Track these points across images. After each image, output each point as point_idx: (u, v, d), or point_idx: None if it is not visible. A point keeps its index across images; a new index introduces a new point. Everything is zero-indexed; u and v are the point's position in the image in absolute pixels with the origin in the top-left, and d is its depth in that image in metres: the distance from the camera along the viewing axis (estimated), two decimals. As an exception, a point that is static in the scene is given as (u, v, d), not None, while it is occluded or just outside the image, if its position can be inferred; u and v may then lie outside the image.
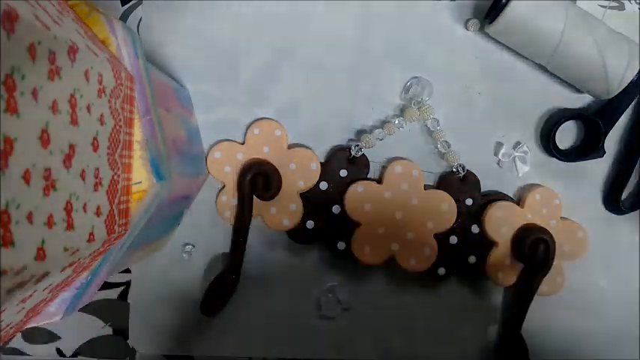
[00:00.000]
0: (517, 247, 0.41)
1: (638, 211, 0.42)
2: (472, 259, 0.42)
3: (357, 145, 0.40)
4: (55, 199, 0.19)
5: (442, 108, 0.41)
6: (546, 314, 0.43)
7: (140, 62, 0.28)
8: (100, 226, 0.23)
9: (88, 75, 0.22)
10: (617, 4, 0.41)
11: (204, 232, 0.42)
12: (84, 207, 0.22)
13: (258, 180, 0.40)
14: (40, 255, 0.18)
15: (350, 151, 0.41)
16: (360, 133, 0.42)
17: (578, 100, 0.42)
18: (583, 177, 0.42)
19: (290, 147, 0.41)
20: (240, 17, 0.41)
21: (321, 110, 0.42)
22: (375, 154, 0.41)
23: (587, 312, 0.43)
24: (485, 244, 0.42)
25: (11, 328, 0.23)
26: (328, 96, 0.42)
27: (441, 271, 0.41)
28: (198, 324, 0.43)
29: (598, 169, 0.42)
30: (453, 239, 0.42)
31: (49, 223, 0.19)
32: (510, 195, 0.42)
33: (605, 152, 0.41)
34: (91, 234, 0.22)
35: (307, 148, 0.41)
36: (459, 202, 0.41)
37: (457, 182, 0.41)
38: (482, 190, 0.42)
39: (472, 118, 0.42)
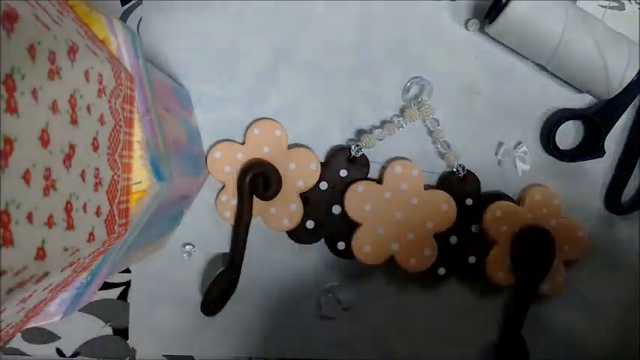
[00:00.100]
0: (517, 247, 0.41)
1: (638, 211, 0.42)
2: (472, 259, 0.42)
3: (357, 145, 0.40)
4: (55, 199, 0.19)
5: (442, 108, 0.41)
6: (546, 314, 0.43)
7: (140, 62, 0.28)
8: (100, 226, 0.23)
9: (88, 75, 0.22)
10: (617, 4, 0.41)
11: (204, 232, 0.42)
12: (84, 207, 0.22)
13: (258, 180, 0.40)
14: (40, 255, 0.18)
15: (350, 151, 0.41)
16: (360, 133, 0.42)
17: (579, 100, 0.42)
18: (583, 177, 0.42)
19: (290, 147, 0.41)
20: (240, 17, 0.41)
21: (321, 110, 0.42)
22: (375, 154, 0.41)
23: (587, 312, 0.43)
24: (485, 244, 0.41)
25: (11, 328, 0.23)
26: (328, 96, 0.42)
27: (441, 271, 0.41)
28: (198, 324, 0.43)
29: (598, 169, 0.42)
30: (453, 239, 0.42)
31: (49, 223, 0.19)
32: (510, 195, 0.42)
33: (605, 152, 0.41)
34: (91, 234, 0.22)
35: (307, 148, 0.41)
36: (458, 202, 0.41)
37: (457, 182, 0.41)
38: (482, 190, 0.42)
39: (472, 118, 0.42)
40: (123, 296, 0.43)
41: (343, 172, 0.41)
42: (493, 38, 0.40)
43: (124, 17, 0.41)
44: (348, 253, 0.41)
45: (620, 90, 0.38)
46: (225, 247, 0.42)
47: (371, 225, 0.41)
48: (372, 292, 0.43)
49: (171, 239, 0.42)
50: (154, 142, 0.27)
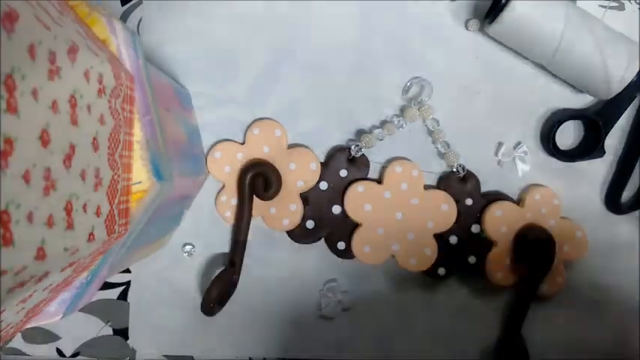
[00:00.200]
0: (517, 247, 0.41)
1: (638, 211, 0.42)
2: (472, 259, 0.42)
3: (357, 145, 0.40)
4: (55, 198, 0.19)
5: (442, 108, 0.41)
6: (546, 314, 0.43)
7: (140, 62, 0.28)
8: (100, 226, 0.23)
9: (88, 75, 0.22)
10: (617, 5, 0.41)
11: (204, 232, 0.42)
12: (84, 207, 0.22)
13: (258, 180, 0.40)
14: (40, 255, 0.18)
15: (350, 151, 0.41)
16: (360, 133, 0.42)
17: (578, 100, 0.42)
18: (583, 177, 0.42)
19: (290, 147, 0.41)
20: (240, 17, 0.41)
21: (321, 110, 0.42)
22: (375, 154, 0.41)
23: (587, 312, 0.43)
24: (485, 244, 0.42)
25: (11, 328, 0.23)
26: (328, 96, 0.42)
27: (441, 271, 0.41)
28: (198, 324, 0.43)
29: (598, 169, 0.42)
30: (453, 239, 0.42)
31: (49, 222, 0.19)
32: (510, 195, 0.42)
33: (605, 152, 0.41)
34: (91, 234, 0.22)
35: (307, 148, 0.41)
36: (458, 202, 0.41)
37: (457, 182, 0.41)
38: (482, 190, 0.42)
39: (472, 118, 0.42)
40: (123, 296, 0.43)
41: (343, 172, 0.41)
42: (493, 38, 0.40)
43: (124, 17, 0.41)
44: (348, 253, 0.41)
45: (620, 90, 0.38)
46: (225, 247, 0.42)
47: (371, 225, 0.41)
48: (372, 292, 0.43)
49: (171, 239, 0.42)
50: (154, 142, 0.27)
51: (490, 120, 0.42)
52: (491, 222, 0.41)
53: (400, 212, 0.40)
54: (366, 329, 0.43)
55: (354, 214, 0.41)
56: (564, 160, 0.42)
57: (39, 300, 0.23)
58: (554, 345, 0.43)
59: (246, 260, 0.41)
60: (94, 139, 0.23)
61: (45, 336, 0.43)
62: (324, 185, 0.41)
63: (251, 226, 0.40)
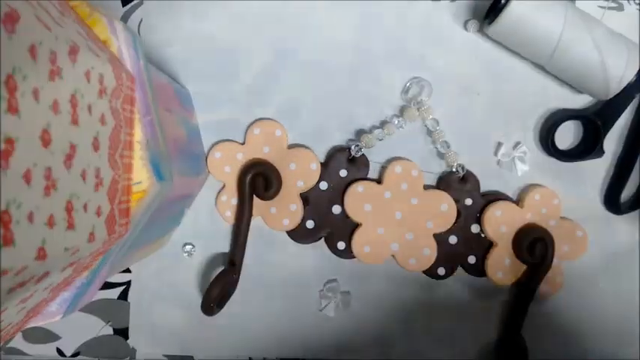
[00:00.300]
0: (517, 247, 0.41)
1: (637, 210, 0.42)
2: (472, 259, 0.42)
3: (357, 145, 0.40)
4: (56, 198, 0.19)
5: (442, 108, 0.41)
6: (546, 314, 0.43)
7: (141, 63, 0.28)
8: (100, 226, 0.23)
9: (88, 75, 0.22)
10: (616, 5, 0.42)
11: (204, 232, 0.42)
12: (84, 207, 0.22)
13: (258, 180, 0.40)
14: (41, 255, 0.18)
15: (350, 151, 0.41)
16: (360, 133, 0.42)
17: (578, 101, 0.42)
18: (582, 177, 0.42)
19: (290, 147, 0.41)
20: (240, 17, 0.41)
21: (321, 110, 0.42)
22: (375, 154, 0.41)
23: (586, 312, 0.43)
24: (485, 244, 0.42)
25: (12, 327, 0.23)
26: (328, 96, 0.42)
27: (441, 271, 0.42)
28: (198, 324, 0.43)
29: (597, 169, 0.42)
30: (453, 239, 0.42)
31: (50, 222, 0.19)
32: (510, 195, 0.42)
33: (604, 152, 0.41)
34: (92, 234, 0.22)
35: (307, 148, 0.41)
36: (458, 202, 0.41)
37: (457, 182, 0.41)
38: (481, 190, 0.42)
39: (472, 119, 0.42)
40: (123, 296, 0.43)
41: (343, 172, 0.41)
42: (492, 39, 0.40)
43: (124, 18, 0.42)
44: (348, 253, 0.41)
45: (619, 90, 0.38)
46: (225, 247, 0.42)
47: (371, 225, 0.41)
48: (372, 292, 0.43)
49: (171, 239, 0.42)
50: (154, 143, 0.27)
51: (489, 120, 0.42)
52: (490, 222, 0.41)
53: (400, 212, 0.40)
54: (366, 329, 0.43)
55: (354, 214, 0.41)
56: (563, 160, 0.42)
57: (39, 300, 0.23)
58: (554, 345, 0.43)
59: (246, 260, 0.41)
60: (95, 139, 0.23)
61: (45, 336, 0.43)
62: (324, 185, 0.41)
63: (251, 226, 0.40)
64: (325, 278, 0.43)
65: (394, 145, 0.41)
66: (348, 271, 0.42)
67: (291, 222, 0.41)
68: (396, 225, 0.41)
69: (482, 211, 0.41)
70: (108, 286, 0.42)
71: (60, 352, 0.43)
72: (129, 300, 0.43)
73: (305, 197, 0.41)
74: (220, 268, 0.41)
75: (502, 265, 0.41)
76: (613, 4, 0.41)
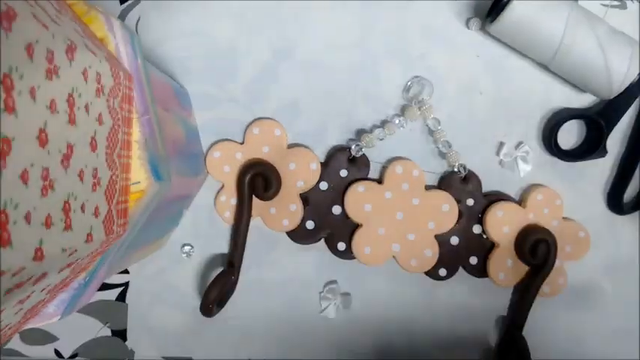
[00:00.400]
0: (519, 247, 0.40)
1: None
2: (473, 259, 0.41)
3: (358, 145, 0.40)
4: (53, 199, 0.19)
5: (443, 107, 0.41)
6: (548, 314, 0.43)
7: (139, 61, 0.27)
8: (98, 226, 0.23)
9: (86, 74, 0.22)
10: (618, 3, 0.41)
11: (203, 232, 0.42)
12: (82, 207, 0.21)
13: (258, 180, 0.40)
14: (38, 255, 0.18)
15: (350, 151, 0.40)
16: (360, 132, 0.41)
17: (580, 100, 0.42)
18: (585, 177, 0.42)
19: (290, 147, 0.41)
20: (240, 16, 0.41)
21: (321, 110, 0.42)
22: (376, 153, 0.41)
23: (588, 312, 0.43)
24: (487, 244, 0.41)
25: (9, 329, 0.22)
26: (328, 95, 0.42)
27: (442, 271, 0.41)
28: (197, 325, 0.42)
29: (600, 169, 0.42)
30: (455, 240, 0.41)
31: (47, 223, 0.19)
32: (512, 195, 0.42)
33: (607, 152, 0.41)
34: (89, 234, 0.22)
35: (307, 147, 0.41)
36: (460, 202, 0.41)
37: (458, 182, 0.41)
38: (483, 191, 0.42)
39: (473, 118, 0.42)
40: (121, 297, 0.42)
41: (343, 172, 0.41)
42: (494, 37, 0.40)
43: (122, 16, 0.41)
44: (348, 254, 0.41)
45: (622, 90, 0.38)
46: (224, 247, 0.42)
47: (371, 225, 0.40)
48: (372, 293, 0.42)
49: (170, 239, 0.42)
50: (152, 142, 0.27)
51: (491, 119, 0.42)
52: (492, 222, 0.41)
53: (401, 212, 0.40)
54: (366, 330, 0.43)
55: (354, 214, 0.40)
56: (566, 160, 0.41)
57: (37, 301, 0.22)
58: (554, 345, 0.43)
59: (245, 261, 0.41)
60: (93, 138, 0.22)
61: (43, 337, 0.43)
62: (324, 185, 0.41)
63: (250, 226, 0.40)
64: (325, 279, 0.42)
65: (395, 145, 0.41)
66: (348, 271, 0.42)
67: (290, 222, 0.41)
68: (397, 225, 0.40)
69: (484, 211, 0.41)
70: (106, 287, 0.42)
71: (58, 353, 0.43)
72: (127, 301, 0.42)
73: (305, 197, 0.41)
74: (219, 269, 0.41)
75: (504, 267, 0.41)
76: (616, 2, 0.41)
